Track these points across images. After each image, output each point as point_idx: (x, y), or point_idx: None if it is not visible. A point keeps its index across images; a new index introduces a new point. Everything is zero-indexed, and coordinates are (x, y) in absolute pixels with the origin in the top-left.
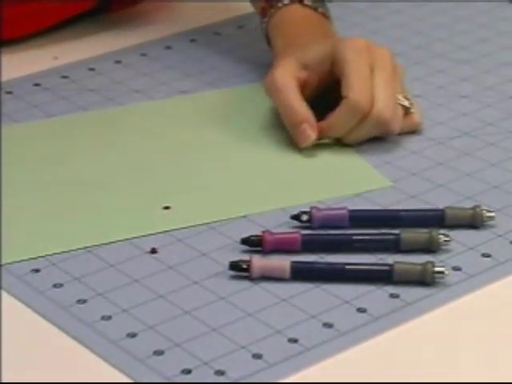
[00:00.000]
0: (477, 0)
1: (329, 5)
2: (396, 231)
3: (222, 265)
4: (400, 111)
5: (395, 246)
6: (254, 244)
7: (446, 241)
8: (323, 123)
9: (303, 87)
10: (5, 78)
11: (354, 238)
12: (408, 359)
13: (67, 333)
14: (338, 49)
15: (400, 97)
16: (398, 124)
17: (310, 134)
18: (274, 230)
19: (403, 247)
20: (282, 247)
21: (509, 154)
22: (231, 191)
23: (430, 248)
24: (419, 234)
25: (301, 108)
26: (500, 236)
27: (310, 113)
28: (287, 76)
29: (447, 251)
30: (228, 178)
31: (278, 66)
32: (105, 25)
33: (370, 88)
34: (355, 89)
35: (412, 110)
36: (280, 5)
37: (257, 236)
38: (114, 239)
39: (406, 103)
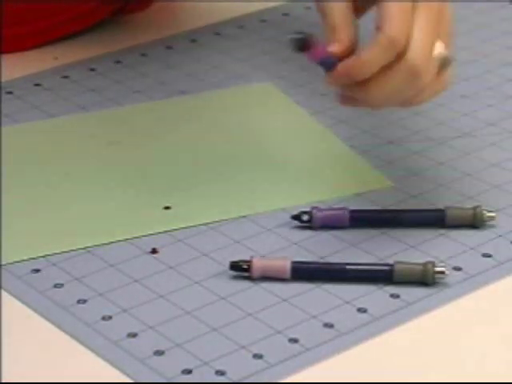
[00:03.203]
0: (477, 0)
1: None
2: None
3: (222, 265)
4: (435, 66)
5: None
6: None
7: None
8: (352, 60)
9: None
10: (5, 78)
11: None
12: (408, 359)
13: (67, 333)
14: None
15: (440, 46)
16: (429, 81)
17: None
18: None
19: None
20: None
21: (509, 154)
22: (231, 191)
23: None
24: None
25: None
26: (500, 236)
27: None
28: None
29: (447, 251)
30: (228, 178)
31: None
32: (105, 25)
33: (409, 24)
34: (392, 22)
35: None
36: None
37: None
38: (114, 239)
39: (447, 54)
